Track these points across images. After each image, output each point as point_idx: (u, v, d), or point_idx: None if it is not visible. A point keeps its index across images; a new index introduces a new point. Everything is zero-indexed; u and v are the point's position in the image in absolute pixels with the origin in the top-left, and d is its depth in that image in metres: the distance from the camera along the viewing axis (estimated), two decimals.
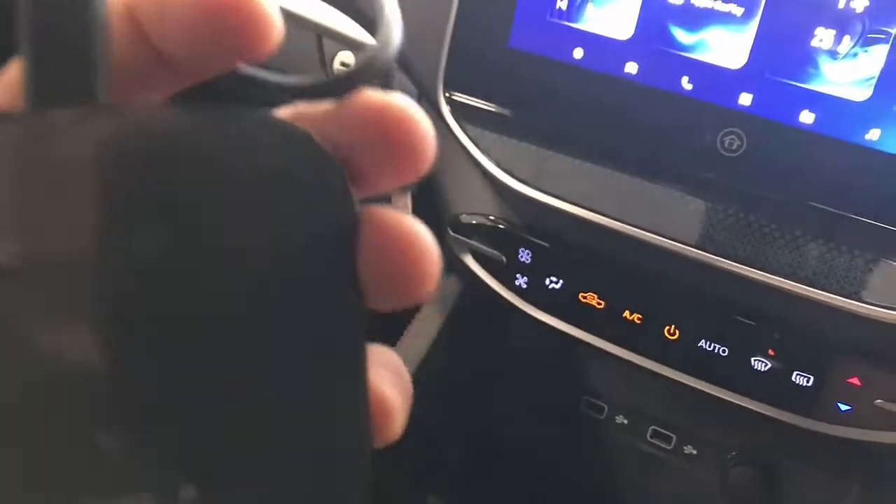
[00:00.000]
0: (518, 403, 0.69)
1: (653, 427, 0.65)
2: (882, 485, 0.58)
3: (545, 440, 0.68)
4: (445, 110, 0.56)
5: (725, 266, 0.49)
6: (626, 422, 0.66)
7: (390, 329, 0.61)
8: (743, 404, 0.53)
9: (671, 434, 0.65)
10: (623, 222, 0.51)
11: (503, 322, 0.62)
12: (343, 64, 0.67)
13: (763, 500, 0.61)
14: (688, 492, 0.65)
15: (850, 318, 0.47)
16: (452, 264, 0.60)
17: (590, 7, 0.51)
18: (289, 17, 0.69)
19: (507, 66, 0.54)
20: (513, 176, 0.54)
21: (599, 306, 0.55)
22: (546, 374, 0.68)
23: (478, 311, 0.64)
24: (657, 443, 0.65)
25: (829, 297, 0.47)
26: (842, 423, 0.50)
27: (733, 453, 0.62)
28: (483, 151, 0.55)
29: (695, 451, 0.64)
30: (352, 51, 0.66)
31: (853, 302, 0.47)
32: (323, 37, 0.67)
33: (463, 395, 0.67)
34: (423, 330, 0.61)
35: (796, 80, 0.47)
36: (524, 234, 0.56)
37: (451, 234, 0.59)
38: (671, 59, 0.50)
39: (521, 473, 0.67)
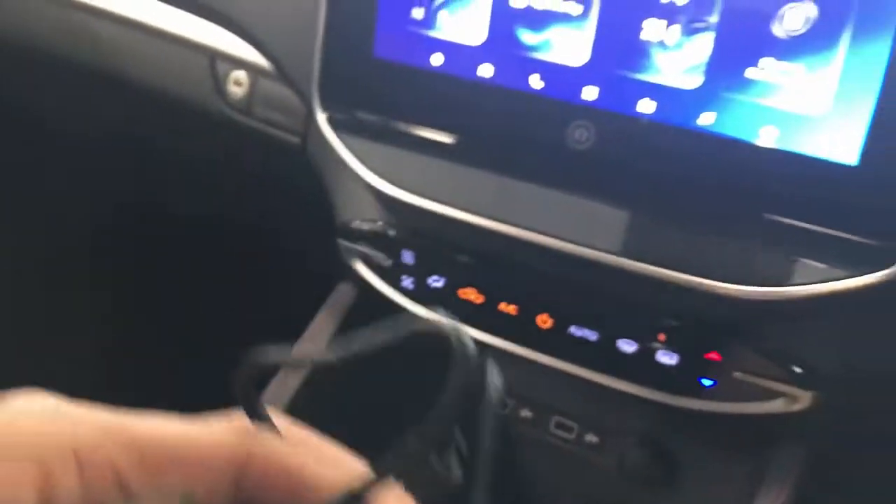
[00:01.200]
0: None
1: (556, 418, 0.67)
2: (773, 454, 0.60)
3: None
4: (323, 123, 0.58)
5: (585, 253, 0.51)
6: (530, 415, 0.68)
7: (285, 335, 0.62)
8: (617, 387, 0.54)
9: (573, 424, 0.66)
10: (490, 218, 0.53)
11: None
12: (237, 83, 0.69)
13: (662, 481, 0.63)
14: (592, 479, 0.66)
15: (703, 296, 0.49)
16: (344, 271, 0.62)
17: (444, 14, 0.53)
18: (181, 41, 0.71)
19: (375, 75, 0.56)
20: (389, 182, 0.56)
21: (478, 301, 0.57)
22: None
23: (372, 316, 0.65)
24: (560, 433, 0.67)
25: (681, 277, 0.49)
26: (707, 397, 0.52)
27: (631, 439, 0.64)
28: (360, 160, 0.57)
29: (596, 440, 0.66)
30: (244, 70, 0.69)
31: (704, 280, 0.49)
32: (216, 59, 0.70)
33: (359, 398, 0.68)
34: (318, 335, 0.63)
35: (634, 72, 0.49)
36: (405, 236, 0.58)
37: (341, 241, 0.61)
38: (521, 61, 0.52)
39: None
